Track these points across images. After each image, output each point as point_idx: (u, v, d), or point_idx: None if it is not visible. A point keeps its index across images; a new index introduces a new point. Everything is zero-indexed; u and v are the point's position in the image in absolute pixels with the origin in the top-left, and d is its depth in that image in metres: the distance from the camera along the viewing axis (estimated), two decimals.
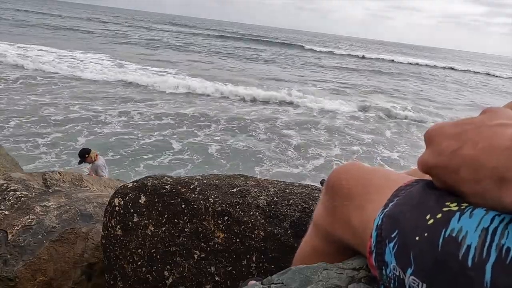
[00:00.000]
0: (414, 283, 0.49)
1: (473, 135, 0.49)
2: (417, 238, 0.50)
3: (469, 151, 0.48)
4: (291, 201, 1.44)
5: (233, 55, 30.67)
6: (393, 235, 0.54)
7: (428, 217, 0.50)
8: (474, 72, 46.21)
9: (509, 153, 0.43)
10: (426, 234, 0.49)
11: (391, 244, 0.54)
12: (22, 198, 1.94)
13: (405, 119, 14.59)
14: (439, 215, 0.49)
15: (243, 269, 1.36)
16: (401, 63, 45.19)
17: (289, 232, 1.35)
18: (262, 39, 54.88)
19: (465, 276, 0.43)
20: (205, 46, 35.51)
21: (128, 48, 27.83)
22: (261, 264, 1.35)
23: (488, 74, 45.48)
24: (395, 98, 18.98)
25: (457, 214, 0.48)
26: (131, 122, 10.32)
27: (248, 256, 1.36)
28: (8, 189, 1.99)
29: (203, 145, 9.18)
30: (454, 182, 0.50)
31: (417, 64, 46.66)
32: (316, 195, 1.47)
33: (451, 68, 46.85)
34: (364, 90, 20.80)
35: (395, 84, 24.80)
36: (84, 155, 5.39)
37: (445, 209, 0.50)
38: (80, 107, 11.03)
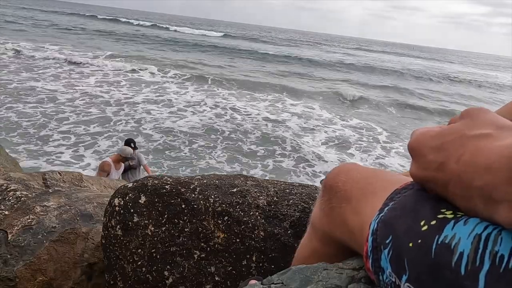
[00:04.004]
0: None
1: (455, 147, 0.47)
2: (410, 244, 0.49)
3: (453, 166, 0.47)
4: (291, 201, 1.44)
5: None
6: (387, 241, 0.54)
7: (422, 223, 0.49)
8: None
9: (493, 173, 0.42)
10: (419, 241, 0.48)
11: (386, 250, 0.54)
12: (22, 198, 1.94)
13: None
14: (434, 222, 0.48)
15: (243, 269, 1.36)
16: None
17: (289, 232, 1.35)
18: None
19: (458, 284, 0.43)
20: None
21: None
22: (261, 264, 1.35)
23: None
24: None
25: (452, 221, 0.47)
26: None
27: (248, 256, 1.36)
28: (8, 189, 1.99)
29: None
30: (445, 195, 0.49)
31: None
32: (316, 195, 1.47)
33: None
34: None
35: None
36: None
37: (440, 216, 0.49)
38: None
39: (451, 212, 0.49)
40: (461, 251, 0.43)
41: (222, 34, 54.30)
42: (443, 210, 0.49)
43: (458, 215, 0.48)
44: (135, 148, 5.63)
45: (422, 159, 0.51)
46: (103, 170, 4.99)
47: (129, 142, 5.64)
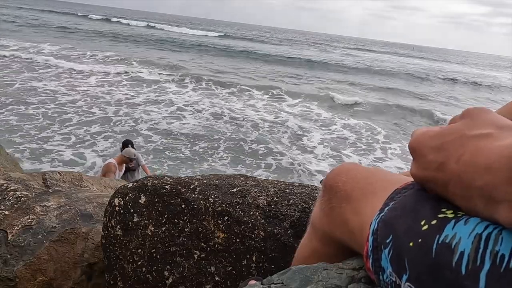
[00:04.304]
0: None
1: (455, 147, 0.47)
2: (411, 244, 0.49)
3: (453, 166, 0.47)
4: (291, 201, 1.44)
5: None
6: (387, 241, 0.54)
7: (422, 223, 0.50)
8: None
9: (493, 173, 0.42)
10: (420, 240, 0.48)
11: (386, 250, 0.54)
12: (22, 198, 1.94)
13: None
14: (434, 221, 0.48)
15: (243, 269, 1.36)
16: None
17: (289, 232, 1.35)
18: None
19: (459, 284, 0.43)
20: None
21: None
22: (261, 264, 1.35)
23: None
24: None
25: (453, 221, 0.47)
26: None
27: (248, 256, 1.36)
28: (8, 189, 1.99)
29: None
30: (445, 195, 0.49)
31: None
32: (316, 195, 1.47)
33: None
34: None
35: None
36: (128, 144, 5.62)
37: (440, 215, 0.49)
38: None
39: (451, 211, 0.49)
40: (461, 250, 0.43)
41: (221, 34, 53.96)
42: (443, 210, 0.49)
43: (459, 215, 0.48)
44: (133, 148, 5.64)
45: (422, 159, 0.51)
46: (110, 171, 5.01)
47: (126, 144, 5.62)
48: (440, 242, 0.46)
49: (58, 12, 60.04)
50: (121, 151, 5.60)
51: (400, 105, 17.22)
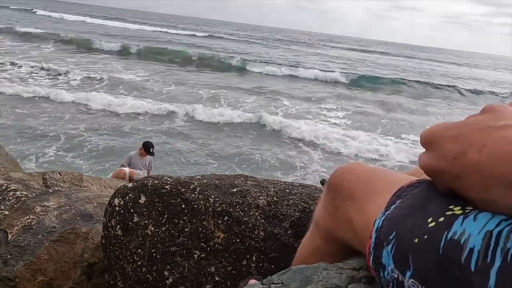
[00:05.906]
0: (414, 286, 0.49)
1: (478, 138, 0.47)
2: (415, 240, 0.49)
3: (474, 156, 0.46)
4: (291, 201, 1.44)
5: None
6: (390, 237, 0.54)
7: (429, 220, 0.49)
8: None
9: None
10: (426, 237, 0.48)
11: (389, 247, 0.54)
12: (22, 198, 1.94)
13: None
14: (442, 219, 0.48)
15: (243, 269, 1.36)
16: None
17: (289, 232, 1.35)
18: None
19: (467, 280, 0.42)
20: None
21: None
22: (261, 264, 1.35)
23: None
24: None
25: (461, 217, 0.47)
26: None
27: (248, 256, 1.36)
28: (8, 189, 1.99)
29: None
30: (459, 187, 0.49)
31: None
32: (316, 195, 1.47)
33: None
34: None
35: None
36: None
37: (448, 213, 0.48)
38: None
39: (459, 208, 0.48)
40: (471, 247, 0.43)
41: (207, 34, 51.97)
42: (451, 207, 0.49)
43: (467, 211, 0.47)
44: (152, 153, 5.51)
45: (439, 148, 0.51)
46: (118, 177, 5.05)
47: (149, 147, 5.43)
48: (448, 238, 0.46)
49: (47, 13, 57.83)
50: (142, 150, 5.46)
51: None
